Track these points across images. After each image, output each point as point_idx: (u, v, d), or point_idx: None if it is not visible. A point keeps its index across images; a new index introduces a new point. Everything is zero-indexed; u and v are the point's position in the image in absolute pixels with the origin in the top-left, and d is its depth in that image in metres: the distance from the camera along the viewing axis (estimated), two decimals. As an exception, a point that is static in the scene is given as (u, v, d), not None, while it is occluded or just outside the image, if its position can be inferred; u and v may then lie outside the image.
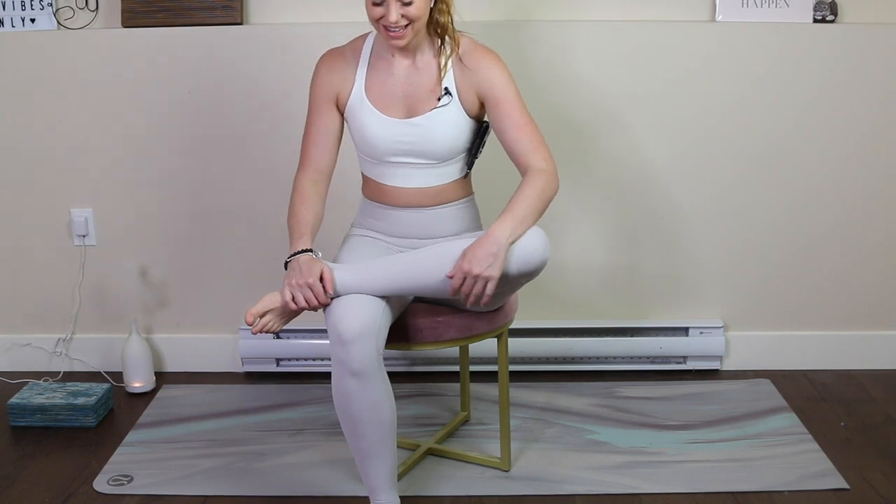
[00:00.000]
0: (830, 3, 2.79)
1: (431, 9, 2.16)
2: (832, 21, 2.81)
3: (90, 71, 2.87)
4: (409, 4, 2.08)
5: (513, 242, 2.08)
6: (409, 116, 2.22)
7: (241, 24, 2.84)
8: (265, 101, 2.87)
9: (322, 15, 2.82)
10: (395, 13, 2.08)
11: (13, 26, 2.85)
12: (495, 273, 2.05)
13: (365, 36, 2.29)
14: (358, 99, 2.25)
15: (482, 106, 2.24)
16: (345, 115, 2.29)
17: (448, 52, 2.21)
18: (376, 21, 2.13)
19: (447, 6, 2.18)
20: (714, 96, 2.86)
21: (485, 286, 2.06)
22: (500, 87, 2.20)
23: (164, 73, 2.86)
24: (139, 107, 2.89)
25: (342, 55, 2.29)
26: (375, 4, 2.10)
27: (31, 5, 2.83)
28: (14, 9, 2.84)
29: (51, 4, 2.83)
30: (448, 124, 2.22)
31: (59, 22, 2.86)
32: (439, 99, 2.21)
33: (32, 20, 2.85)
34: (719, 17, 2.82)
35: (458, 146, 2.26)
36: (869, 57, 2.82)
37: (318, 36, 2.68)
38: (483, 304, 2.11)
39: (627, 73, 2.85)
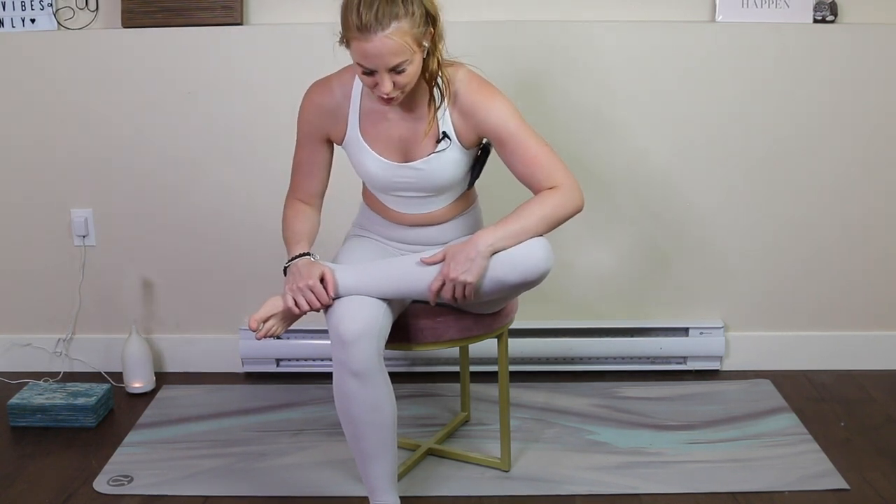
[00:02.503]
0: (830, 3, 2.79)
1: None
2: (832, 21, 2.80)
3: (90, 71, 2.86)
4: (401, 73, 1.98)
5: (495, 253, 2.05)
6: (408, 160, 2.17)
7: (241, 24, 2.84)
8: (265, 101, 2.87)
9: (322, 15, 2.81)
10: (388, 84, 1.98)
11: (13, 26, 2.85)
12: (471, 278, 2.03)
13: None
14: (354, 139, 2.18)
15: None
16: (343, 147, 2.23)
17: (439, 102, 2.12)
18: (370, 88, 2.04)
19: (436, 51, 2.06)
20: (714, 96, 2.85)
21: (463, 290, 2.05)
22: (500, 124, 2.10)
23: (164, 73, 2.86)
24: (139, 107, 2.89)
25: (331, 92, 2.19)
26: (366, 74, 1.99)
27: (31, 5, 2.83)
28: (14, 9, 2.83)
29: (51, 4, 2.82)
30: (448, 165, 2.16)
31: (59, 22, 2.85)
32: (438, 141, 2.14)
33: (32, 20, 2.85)
34: (719, 17, 2.82)
35: (460, 177, 2.21)
36: (869, 57, 2.81)
37: (318, 36, 2.67)
38: (462, 304, 2.08)
39: (627, 73, 2.84)
